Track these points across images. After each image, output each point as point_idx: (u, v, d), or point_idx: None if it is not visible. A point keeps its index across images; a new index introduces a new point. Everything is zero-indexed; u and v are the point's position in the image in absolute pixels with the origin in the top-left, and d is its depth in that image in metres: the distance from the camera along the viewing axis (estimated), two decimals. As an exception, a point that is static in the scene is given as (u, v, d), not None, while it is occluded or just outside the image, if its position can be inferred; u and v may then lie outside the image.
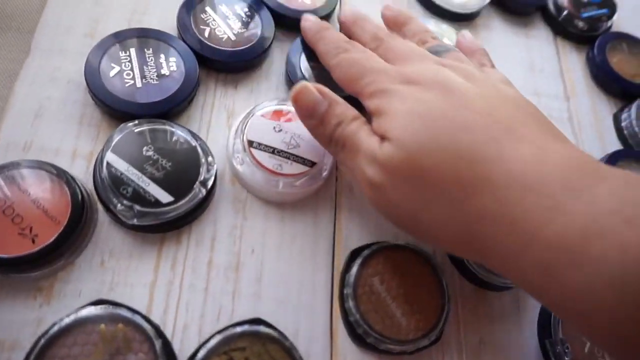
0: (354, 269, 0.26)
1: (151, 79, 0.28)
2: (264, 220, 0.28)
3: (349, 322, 0.26)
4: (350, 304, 0.26)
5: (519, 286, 0.22)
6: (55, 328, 0.22)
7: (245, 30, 0.32)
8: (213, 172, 0.27)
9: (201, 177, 0.26)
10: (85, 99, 0.29)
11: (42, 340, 0.21)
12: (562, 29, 0.42)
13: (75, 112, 0.28)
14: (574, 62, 0.42)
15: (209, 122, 0.30)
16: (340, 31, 0.31)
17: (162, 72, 0.29)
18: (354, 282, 0.26)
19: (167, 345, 0.23)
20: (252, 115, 0.29)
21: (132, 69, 0.28)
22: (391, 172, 0.22)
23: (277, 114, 0.29)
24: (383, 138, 0.23)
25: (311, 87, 0.25)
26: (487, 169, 0.20)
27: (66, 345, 0.22)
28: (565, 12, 0.42)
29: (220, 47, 0.31)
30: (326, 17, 0.35)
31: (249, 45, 0.32)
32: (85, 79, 0.27)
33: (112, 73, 0.28)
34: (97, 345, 0.22)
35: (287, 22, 0.34)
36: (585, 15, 0.42)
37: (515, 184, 0.20)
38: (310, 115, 0.26)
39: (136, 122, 0.26)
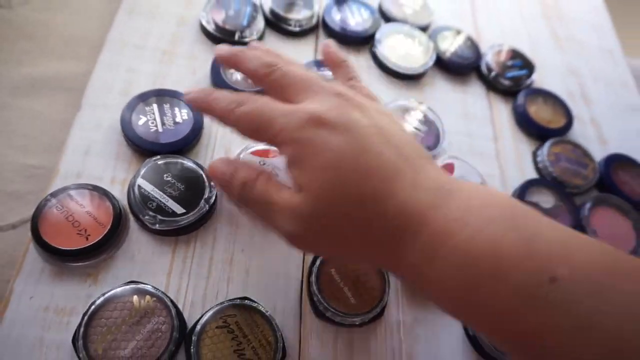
0: (317, 263, 0.36)
1: (169, 125, 0.39)
2: (251, 228, 0.38)
3: (313, 302, 0.35)
4: (314, 288, 0.35)
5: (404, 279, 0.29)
6: (101, 299, 0.31)
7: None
8: (214, 192, 0.36)
9: (205, 196, 0.36)
10: (120, 140, 0.39)
11: (92, 307, 0.30)
12: (492, 85, 0.53)
13: (113, 150, 0.38)
14: (502, 111, 0.52)
15: (211, 157, 0.40)
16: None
17: (177, 120, 0.39)
18: (317, 272, 0.35)
19: (179, 312, 0.32)
20: (244, 152, 0.39)
21: (154, 119, 0.39)
22: (307, 222, 0.26)
23: (265, 152, 0.39)
24: (298, 189, 0.26)
25: (216, 162, 0.30)
26: (383, 207, 0.25)
27: (108, 310, 0.31)
28: (493, 73, 0.53)
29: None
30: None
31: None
32: (121, 127, 0.38)
33: (140, 122, 0.38)
34: (130, 311, 0.31)
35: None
36: (509, 75, 0.53)
37: (402, 213, 0.25)
38: (222, 185, 0.30)
39: (158, 157, 0.37)
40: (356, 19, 0.52)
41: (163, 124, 0.39)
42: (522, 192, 0.44)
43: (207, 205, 0.36)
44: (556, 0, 0.68)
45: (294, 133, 0.26)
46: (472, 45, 0.55)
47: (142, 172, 0.36)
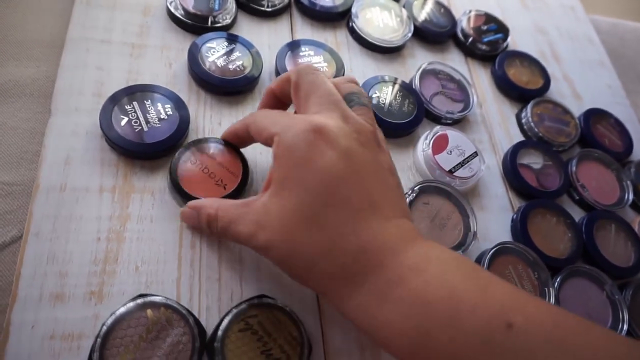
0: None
1: (154, 123, 0.36)
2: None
3: (330, 291, 0.34)
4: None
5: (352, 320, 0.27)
6: (111, 318, 0.28)
7: (228, 62, 0.41)
8: None
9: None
10: (102, 145, 0.35)
11: (104, 328, 0.28)
12: (470, 51, 0.53)
13: (96, 157, 0.35)
14: (482, 76, 0.52)
15: (203, 153, 0.37)
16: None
17: (162, 116, 0.36)
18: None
19: (197, 321, 0.30)
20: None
21: (137, 118, 0.36)
22: (271, 214, 0.27)
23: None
24: (267, 186, 0.28)
25: (184, 209, 0.32)
26: (346, 240, 0.26)
27: (122, 329, 0.28)
28: (470, 39, 0.52)
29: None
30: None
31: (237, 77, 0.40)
32: (102, 130, 0.34)
33: (122, 123, 0.35)
34: (146, 326, 0.28)
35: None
36: (486, 39, 0.53)
37: (362, 252, 0.25)
38: (195, 228, 0.33)
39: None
40: (328, -5, 0.49)
41: (147, 122, 0.36)
42: (514, 155, 0.44)
43: None
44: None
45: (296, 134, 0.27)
46: (446, 12, 0.53)
47: None
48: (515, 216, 0.42)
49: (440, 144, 0.42)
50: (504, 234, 0.42)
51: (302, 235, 0.26)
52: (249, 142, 0.36)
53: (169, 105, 0.37)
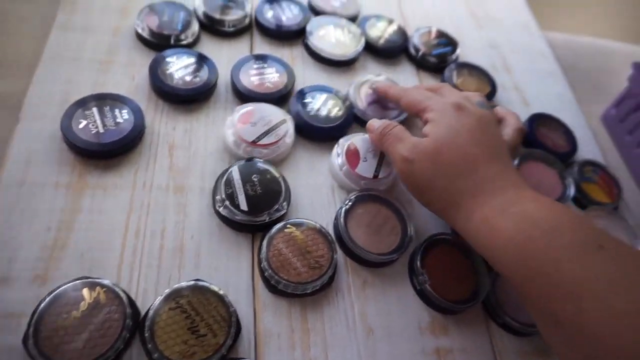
0: (266, 239, 0.35)
1: (110, 126, 0.38)
2: (198, 214, 0.37)
3: (264, 277, 0.34)
4: (265, 264, 0.34)
5: (468, 239, 0.34)
6: (50, 297, 0.30)
7: (186, 73, 0.43)
8: (282, 211, 0.36)
9: (271, 209, 0.37)
10: (62, 147, 0.37)
11: (41, 305, 0.29)
12: (420, 64, 0.54)
13: (54, 157, 0.37)
14: (432, 86, 0.53)
15: (155, 153, 0.39)
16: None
17: (118, 120, 0.38)
18: (266, 248, 0.35)
19: (131, 301, 0.31)
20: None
21: (95, 121, 0.38)
22: (420, 153, 0.34)
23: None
24: (424, 136, 0.35)
25: (372, 120, 0.41)
26: (475, 170, 0.33)
27: (59, 307, 0.29)
28: (421, 52, 0.54)
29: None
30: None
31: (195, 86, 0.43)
32: (62, 132, 0.37)
33: (80, 126, 0.37)
34: (81, 304, 0.30)
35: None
36: (436, 52, 0.54)
37: (480, 185, 0.33)
38: (370, 131, 0.41)
39: (260, 160, 0.40)
40: (287, 15, 0.52)
41: (104, 125, 0.38)
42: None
43: (267, 218, 0.37)
44: (473, -17, 0.70)
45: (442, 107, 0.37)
46: (399, 29, 0.56)
47: (240, 163, 0.39)
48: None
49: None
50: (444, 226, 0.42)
51: (448, 161, 0.34)
52: (389, 102, 0.46)
53: (125, 111, 0.39)
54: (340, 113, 0.45)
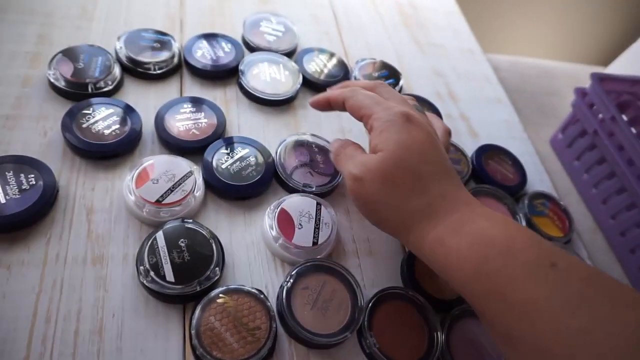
0: (197, 313, 0.32)
1: (14, 194, 0.34)
2: (121, 287, 0.33)
3: (197, 356, 0.31)
4: (195, 341, 0.31)
5: (422, 258, 0.33)
6: None
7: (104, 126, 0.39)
8: (213, 279, 0.33)
9: (201, 278, 0.34)
10: (-40, 221, 0.33)
11: None
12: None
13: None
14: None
15: (70, 219, 0.35)
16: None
17: (23, 187, 0.34)
18: (197, 323, 0.32)
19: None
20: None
21: (-5, 191, 0.34)
22: (370, 171, 0.33)
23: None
24: (374, 152, 0.33)
25: (336, 140, 0.39)
26: (426, 188, 0.32)
27: None
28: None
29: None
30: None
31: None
32: (-43, 206, 0.32)
33: (-21, 198, 0.33)
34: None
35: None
36: (378, 85, 0.53)
37: (432, 204, 0.32)
38: (334, 148, 0.39)
39: (190, 221, 0.36)
40: (219, 54, 0.49)
41: (6, 194, 0.34)
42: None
43: (199, 287, 0.33)
44: (414, 8, 0.70)
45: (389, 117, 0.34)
46: (339, 62, 0.54)
47: (167, 226, 0.35)
48: (404, 258, 0.40)
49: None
50: (395, 279, 0.40)
51: (400, 180, 0.32)
52: (335, 110, 0.40)
53: (32, 175, 0.35)
54: (254, 173, 0.41)
